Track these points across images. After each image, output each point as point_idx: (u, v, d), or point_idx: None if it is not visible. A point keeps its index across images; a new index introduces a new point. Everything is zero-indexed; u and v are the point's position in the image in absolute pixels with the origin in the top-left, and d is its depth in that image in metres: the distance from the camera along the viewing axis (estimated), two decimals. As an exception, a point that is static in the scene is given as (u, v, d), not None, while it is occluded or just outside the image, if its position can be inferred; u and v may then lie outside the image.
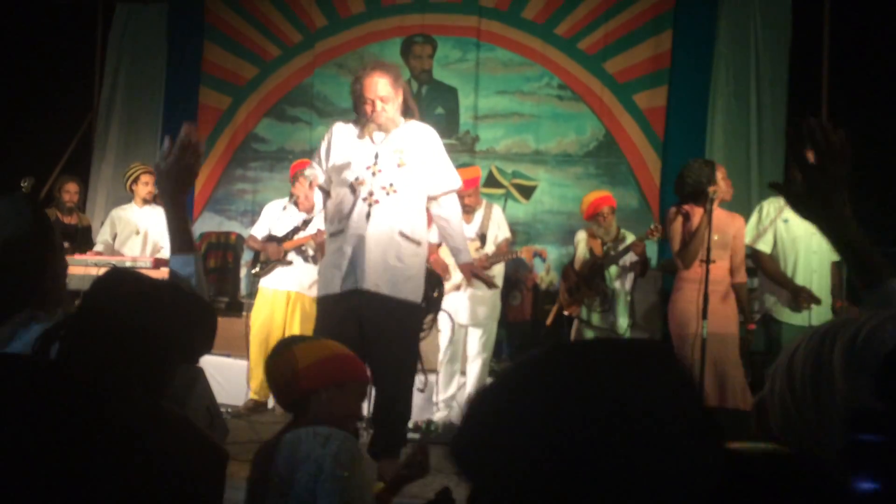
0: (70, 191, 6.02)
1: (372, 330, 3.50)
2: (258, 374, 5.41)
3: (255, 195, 7.30)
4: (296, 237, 5.41)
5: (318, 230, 5.31)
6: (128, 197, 5.97)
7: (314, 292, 5.49)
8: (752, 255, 4.53)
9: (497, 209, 5.49)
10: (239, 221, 7.32)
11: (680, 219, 4.27)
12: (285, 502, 1.79)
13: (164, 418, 1.36)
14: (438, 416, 5.04)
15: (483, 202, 5.39)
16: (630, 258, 5.36)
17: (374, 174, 3.52)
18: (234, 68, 7.55)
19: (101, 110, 7.53)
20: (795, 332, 4.38)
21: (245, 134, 7.52)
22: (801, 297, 4.30)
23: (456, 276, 4.83)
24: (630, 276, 5.44)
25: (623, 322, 5.38)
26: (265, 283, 5.45)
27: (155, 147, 7.55)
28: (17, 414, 1.25)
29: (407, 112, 3.68)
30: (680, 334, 3.94)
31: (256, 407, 5.37)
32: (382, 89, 3.49)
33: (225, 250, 6.80)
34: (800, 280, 4.34)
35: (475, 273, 3.89)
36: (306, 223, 5.44)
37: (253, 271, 5.55)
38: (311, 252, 5.42)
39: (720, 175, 4.24)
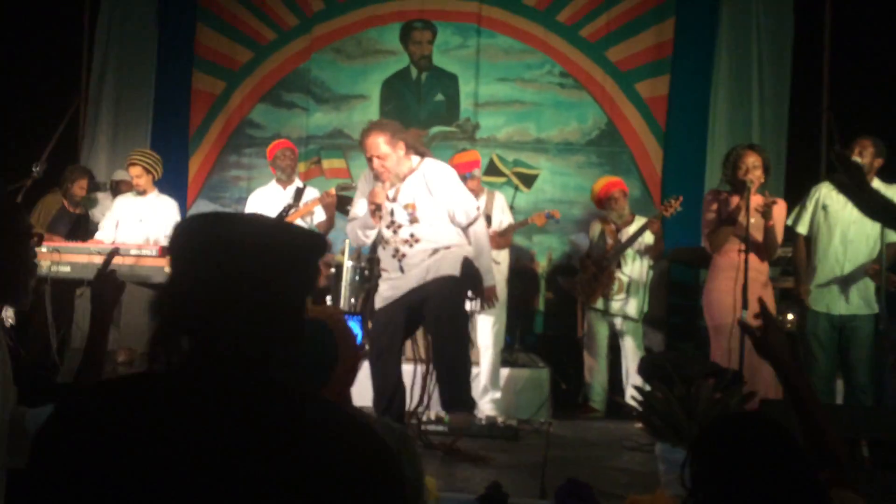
0: (83, 186, 6.16)
1: (422, 303, 3.74)
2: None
3: (251, 182, 7.12)
4: (292, 212, 5.28)
5: (325, 192, 5.23)
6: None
7: None
8: (793, 237, 4.53)
9: (500, 196, 5.48)
10: (234, 209, 7.11)
11: (715, 203, 4.22)
12: None
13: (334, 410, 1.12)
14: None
15: (485, 190, 5.37)
16: (643, 242, 5.31)
17: (394, 232, 3.79)
18: (229, 52, 7.37)
19: (91, 95, 7.28)
20: (814, 317, 4.40)
21: (240, 119, 7.35)
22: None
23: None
24: (645, 261, 5.38)
25: (637, 309, 5.33)
26: None
27: (147, 132, 7.35)
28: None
29: (418, 153, 3.89)
30: (716, 325, 3.89)
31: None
32: (380, 148, 3.68)
33: (222, 239, 6.66)
34: (826, 266, 4.36)
35: (487, 296, 3.99)
36: (298, 196, 5.31)
37: None
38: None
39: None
